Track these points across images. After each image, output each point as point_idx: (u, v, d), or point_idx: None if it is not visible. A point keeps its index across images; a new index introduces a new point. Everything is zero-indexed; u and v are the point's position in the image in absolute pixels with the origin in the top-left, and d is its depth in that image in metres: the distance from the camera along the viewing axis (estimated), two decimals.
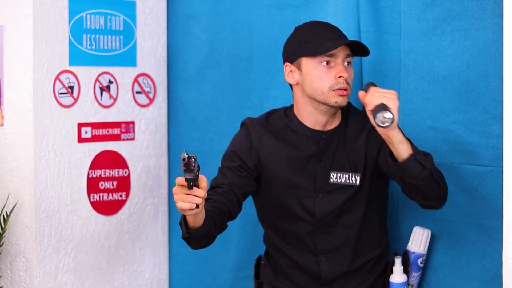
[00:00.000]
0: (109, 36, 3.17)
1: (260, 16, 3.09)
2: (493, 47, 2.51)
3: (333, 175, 2.56)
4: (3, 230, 2.96)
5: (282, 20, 3.03)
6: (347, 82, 2.50)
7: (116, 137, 3.20)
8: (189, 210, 2.26)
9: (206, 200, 2.51)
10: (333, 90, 2.49)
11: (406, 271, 2.62)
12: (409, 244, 2.62)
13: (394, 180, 2.54)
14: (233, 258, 3.21)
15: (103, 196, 3.16)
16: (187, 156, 2.15)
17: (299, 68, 2.53)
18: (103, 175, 3.15)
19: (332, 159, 2.57)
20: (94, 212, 3.13)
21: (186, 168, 2.17)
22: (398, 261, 2.59)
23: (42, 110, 2.97)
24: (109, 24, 3.17)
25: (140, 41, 3.25)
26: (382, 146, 2.49)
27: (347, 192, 2.57)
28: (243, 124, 2.69)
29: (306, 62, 2.51)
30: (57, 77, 3.02)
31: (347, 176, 2.56)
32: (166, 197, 3.36)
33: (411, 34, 2.69)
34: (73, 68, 3.07)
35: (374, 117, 2.28)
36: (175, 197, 2.25)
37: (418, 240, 2.60)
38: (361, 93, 2.34)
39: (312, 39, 2.51)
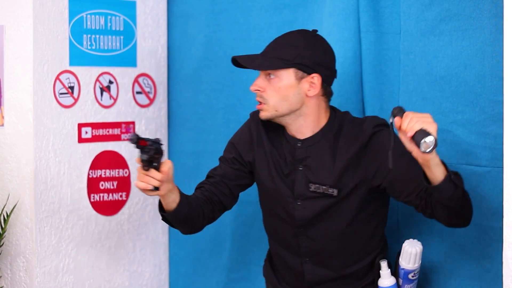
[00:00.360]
0: (109, 36, 3.17)
1: (258, 16, 3.09)
2: (491, 47, 2.51)
3: (312, 186, 2.54)
4: (3, 230, 2.96)
5: (280, 21, 3.03)
6: (261, 96, 2.50)
7: (117, 137, 3.20)
8: (148, 191, 2.39)
9: (198, 187, 2.63)
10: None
11: (396, 275, 2.60)
12: (400, 258, 2.56)
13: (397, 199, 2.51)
14: (225, 259, 3.21)
15: (103, 196, 3.16)
16: (135, 137, 2.27)
17: None
18: (103, 175, 3.15)
19: (313, 168, 2.55)
20: (94, 212, 3.13)
21: (140, 149, 2.31)
22: (384, 264, 2.55)
23: (42, 110, 2.97)
24: (109, 24, 3.17)
25: (140, 41, 3.25)
26: (386, 171, 2.44)
27: (326, 201, 2.53)
28: (250, 116, 2.70)
29: None
30: (57, 77, 3.02)
31: (325, 188, 2.52)
32: None
33: (410, 34, 2.69)
34: (73, 68, 3.07)
35: (418, 144, 2.22)
36: (137, 175, 2.39)
37: (407, 258, 2.53)
38: (397, 121, 2.28)
39: None
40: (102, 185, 3.16)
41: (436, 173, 2.29)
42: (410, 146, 2.27)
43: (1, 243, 2.98)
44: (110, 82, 3.17)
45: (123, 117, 3.21)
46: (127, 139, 2.31)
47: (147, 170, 2.35)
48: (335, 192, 2.51)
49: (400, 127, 2.27)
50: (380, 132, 2.49)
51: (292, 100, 2.49)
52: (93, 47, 3.12)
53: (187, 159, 3.31)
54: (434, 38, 2.63)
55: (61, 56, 3.02)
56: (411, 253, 2.52)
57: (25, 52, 2.95)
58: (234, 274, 3.16)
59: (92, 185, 3.13)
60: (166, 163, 2.39)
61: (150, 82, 3.29)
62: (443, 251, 2.65)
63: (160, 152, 2.35)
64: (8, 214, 2.96)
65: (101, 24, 3.15)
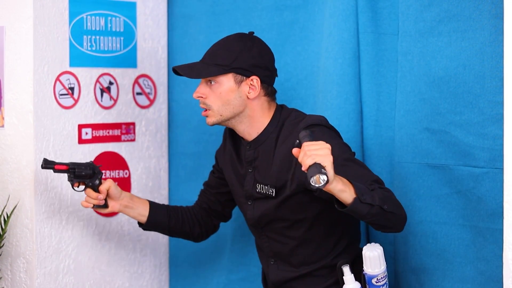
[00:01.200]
0: (110, 37, 3.17)
1: (259, 17, 3.09)
2: (490, 48, 2.51)
3: (258, 186, 2.62)
4: (4, 231, 2.96)
5: (280, 22, 3.03)
6: (204, 102, 2.59)
7: (117, 138, 3.20)
8: (98, 208, 2.76)
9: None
10: None
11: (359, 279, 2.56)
12: (363, 265, 2.51)
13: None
14: (225, 260, 3.21)
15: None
16: (43, 162, 2.71)
17: None
18: (103, 176, 3.15)
19: (260, 169, 2.63)
20: (94, 213, 3.13)
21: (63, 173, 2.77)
22: (346, 269, 2.52)
23: (42, 111, 2.97)
24: (109, 25, 3.17)
25: (141, 42, 3.25)
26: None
27: (270, 201, 2.60)
28: None
29: None
30: (57, 78, 3.02)
31: (267, 188, 2.60)
32: (167, 198, 3.36)
33: (409, 35, 2.69)
34: (74, 69, 3.07)
35: (309, 178, 2.14)
36: None
37: (367, 262, 2.48)
38: (294, 151, 2.24)
39: None
40: None
41: (343, 198, 2.27)
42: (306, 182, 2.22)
43: (1, 244, 2.98)
44: (110, 83, 3.17)
45: (123, 118, 3.21)
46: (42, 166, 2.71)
47: (83, 190, 2.76)
48: (273, 192, 2.57)
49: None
50: (315, 132, 2.45)
51: (235, 104, 2.58)
52: (93, 48, 3.12)
53: (187, 160, 3.32)
54: (433, 39, 2.63)
55: (61, 57, 3.02)
56: (369, 257, 2.47)
57: (25, 53, 2.95)
58: (234, 275, 3.16)
59: None
60: (105, 183, 2.74)
61: (150, 83, 3.29)
62: (437, 253, 2.64)
63: (80, 176, 2.73)
64: (9, 215, 2.96)
65: (101, 25, 3.15)
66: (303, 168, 2.17)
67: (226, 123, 2.62)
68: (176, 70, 2.61)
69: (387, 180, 2.77)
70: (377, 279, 2.50)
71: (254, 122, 2.62)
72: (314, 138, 2.22)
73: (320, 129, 2.52)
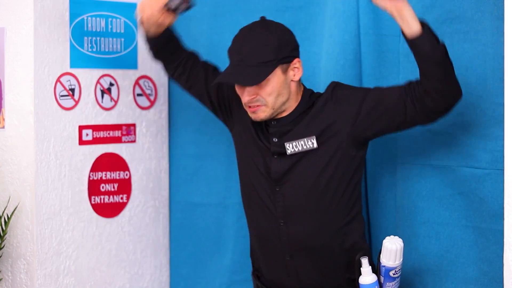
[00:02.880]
0: (110, 39, 3.17)
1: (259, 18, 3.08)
2: (492, 49, 2.51)
3: (289, 146, 2.55)
4: (4, 232, 2.96)
5: (282, 23, 3.02)
6: (257, 100, 2.52)
7: (117, 140, 3.20)
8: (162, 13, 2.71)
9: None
10: (245, 105, 2.56)
11: (377, 272, 2.57)
12: (381, 255, 2.54)
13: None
14: (228, 261, 3.21)
15: (104, 198, 3.16)
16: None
17: None
18: (104, 178, 3.15)
19: (286, 135, 2.56)
20: (95, 214, 3.13)
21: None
22: (365, 261, 2.53)
23: (43, 112, 2.97)
24: (110, 26, 3.17)
25: (141, 44, 3.25)
26: (351, 119, 2.50)
27: (302, 154, 2.54)
28: None
29: None
30: (58, 80, 3.02)
31: (302, 142, 2.54)
32: (167, 200, 3.36)
33: None
34: (74, 71, 3.07)
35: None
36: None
37: (387, 255, 2.51)
38: None
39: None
40: (102, 187, 3.16)
41: (413, 26, 2.34)
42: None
43: (2, 246, 2.98)
44: (111, 84, 3.17)
45: (124, 119, 3.21)
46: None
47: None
48: (314, 142, 2.53)
49: None
50: (339, 86, 2.57)
51: (284, 93, 2.54)
52: (94, 49, 3.12)
53: (188, 161, 3.31)
54: None
55: (62, 59, 3.02)
56: (391, 249, 2.50)
57: (26, 54, 2.95)
58: (236, 276, 3.16)
59: (93, 187, 3.13)
60: None
61: (151, 84, 3.29)
62: (440, 253, 2.65)
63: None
64: (9, 216, 2.96)
65: (102, 26, 3.15)
66: None
67: (274, 115, 2.56)
68: (223, 79, 2.54)
69: (390, 181, 2.78)
70: (394, 271, 2.53)
71: (291, 103, 2.57)
72: None
73: (341, 84, 2.58)
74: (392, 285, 2.56)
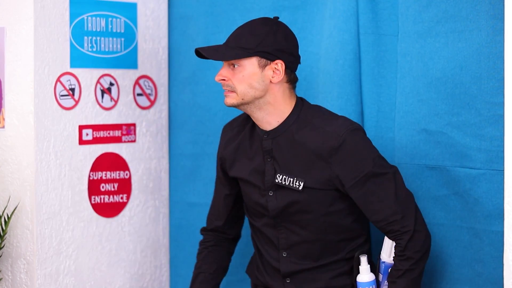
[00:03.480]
0: (110, 38, 3.17)
1: (257, 17, 3.08)
2: (487, 49, 2.50)
3: (279, 177, 2.59)
4: (4, 232, 2.96)
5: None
6: (227, 84, 2.55)
7: (117, 139, 3.20)
8: None
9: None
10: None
11: (375, 271, 2.59)
12: (382, 252, 2.55)
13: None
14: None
15: (104, 198, 3.16)
16: None
17: None
18: (104, 177, 3.15)
19: (278, 160, 2.59)
20: (95, 214, 3.13)
21: None
22: (363, 259, 2.53)
23: (43, 112, 2.97)
24: (110, 26, 3.17)
25: (141, 43, 3.25)
26: (351, 179, 2.50)
27: (295, 193, 2.57)
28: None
29: None
30: (58, 79, 3.02)
31: (292, 180, 2.57)
32: (167, 199, 3.36)
33: (408, 36, 2.68)
34: (74, 70, 3.07)
35: None
36: None
37: (388, 249, 2.52)
38: None
39: None
40: (103, 187, 3.16)
41: None
42: None
43: (2, 245, 2.98)
44: (111, 84, 3.17)
45: (124, 119, 3.21)
46: None
47: None
48: (300, 186, 2.54)
49: None
50: (353, 137, 2.51)
51: (257, 88, 2.54)
52: (94, 49, 3.12)
53: (188, 161, 3.31)
54: (431, 39, 2.62)
55: (62, 58, 3.02)
56: (392, 245, 2.50)
57: (26, 54, 2.95)
58: (233, 276, 3.16)
59: (93, 187, 3.13)
60: None
61: (151, 84, 3.29)
62: (434, 254, 2.64)
63: None
64: (9, 216, 2.96)
65: (102, 26, 3.15)
66: None
67: (245, 107, 2.57)
68: (199, 52, 2.56)
69: None
70: None
71: (274, 109, 2.58)
72: None
73: (360, 135, 2.54)
74: None
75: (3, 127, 3.02)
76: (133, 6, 3.22)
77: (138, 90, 3.25)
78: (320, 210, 2.56)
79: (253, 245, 2.81)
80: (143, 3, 3.24)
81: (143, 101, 3.27)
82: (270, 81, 2.54)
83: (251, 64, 2.53)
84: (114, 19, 3.18)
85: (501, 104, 2.43)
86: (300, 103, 2.61)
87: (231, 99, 2.56)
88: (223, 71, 2.57)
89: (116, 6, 3.18)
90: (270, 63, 2.53)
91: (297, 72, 2.71)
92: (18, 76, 2.98)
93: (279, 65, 2.54)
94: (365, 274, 2.54)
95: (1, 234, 2.95)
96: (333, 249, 2.61)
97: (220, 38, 3.17)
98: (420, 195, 2.66)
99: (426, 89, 2.63)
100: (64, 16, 3.03)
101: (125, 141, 3.21)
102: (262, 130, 2.62)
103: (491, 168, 2.50)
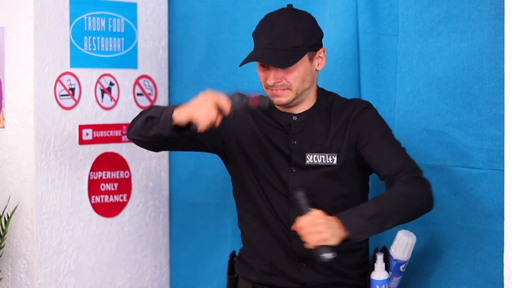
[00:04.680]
0: (110, 38, 3.17)
1: (258, 17, 3.06)
2: (489, 48, 2.51)
3: (309, 157, 2.54)
4: (4, 232, 2.96)
5: None
6: (282, 84, 2.48)
7: (117, 139, 3.20)
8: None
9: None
10: (267, 88, 2.52)
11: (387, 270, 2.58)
12: (392, 249, 2.54)
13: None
14: (226, 261, 3.20)
15: (104, 198, 3.16)
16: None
17: None
18: (104, 177, 3.16)
19: (306, 141, 2.55)
20: (95, 214, 3.14)
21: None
22: (380, 258, 2.52)
23: (43, 112, 2.97)
24: (110, 26, 3.17)
25: (141, 43, 3.25)
26: (364, 141, 2.50)
27: (323, 170, 2.53)
28: None
29: None
30: (58, 79, 3.02)
31: (323, 156, 2.53)
32: (167, 199, 3.36)
33: (408, 35, 2.69)
34: (74, 70, 3.07)
35: (319, 254, 2.28)
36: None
37: (402, 248, 2.51)
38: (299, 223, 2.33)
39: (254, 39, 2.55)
40: (103, 186, 3.16)
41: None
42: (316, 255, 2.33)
43: (2, 245, 2.98)
44: (111, 83, 3.17)
45: (124, 119, 3.21)
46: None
47: None
48: (335, 159, 2.52)
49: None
50: (370, 108, 2.55)
51: (308, 80, 2.52)
52: (94, 49, 3.12)
53: (188, 160, 3.32)
54: (432, 39, 2.62)
55: (62, 58, 3.03)
56: (407, 243, 2.50)
57: (26, 54, 2.95)
58: None
59: (93, 187, 3.13)
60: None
61: (151, 84, 3.29)
62: (435, 254, 2.64)
63: None
64: (9, 216, 2.96)
65: (102, 26, 3.15)
66: (310, 246, 2.29)
67: (296, 101, 2.53)
68: (253, 58, 2.48)
69: None
70: (404, 265, 2.53)
71: (311, 94, 2.56)
72: (306, 202, 2.34)
73: (376, 110, 2.56)
74: (397, 280, 2.56)
75: (3, 127, 3.02)
76: (133, 6, 3.22)
77: (138, 90, 3.25)
78: (338, 187, 2.53)
79: (244, 240, 2.70)
80: (143, 3, 3.24)
81: (143, 101, 3.27)
82: (316, 69, 2.53)
83: (303, 61, 2.49)
84: (114, 19, 3.18)
85: (503, 104, 2.44)
86: (320, 88, 2.60)
87: (286, 97, 2.50)
88: (276, 74, 2.48)
89: (116, 6, 3.18)
90: (316, 53, 2.52)
91: None
92: (18, 75, 2.98)
93: (322, 52, 2.53)
94: (380, 272, 2.52)
95: (1, 234, 2.96)
96: None
97: (222, 38, 3.18)
98: None
99: (427, 89, 2.63)
100: (64, 16, 3.03)
101: (125, 141, 3.21)
102: (287, 113, 2.56)
103: (492, 168, 2.50)
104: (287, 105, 2.53)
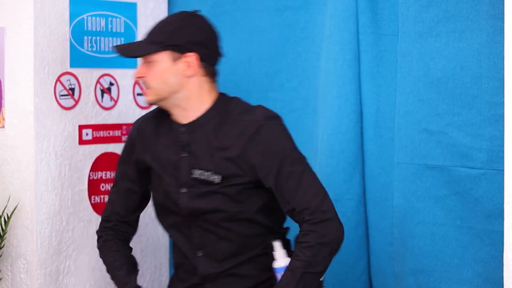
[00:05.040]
0: (110, 38, 3.17)
1: (259, 18, 3.09)
2: (488, 49, 2.51)
3: (195, 172, 2.51)
4: (4, 232, 2.96)
5: (281, 22, 3.03)
6: (144, 82, 2.52)
7: (117, 139, 3.20)
8: None
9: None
10: None
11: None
12: (275, 262, 2.50)
13: None
14: None
15: (104, 198, 3.16)
16: None
17: None
18: (104, 177, 3.16)
19: (196, 154, 2.51)
20: (95, 214, 3.13)
21: None
22: (277, 244, 2.47)
23: (43, 112, 2.97)
24: (110, 26, 3.17)
25: None
26: (267, 169, 2.44)
27: (209, 188, 2.49)
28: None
29: None
30: (58, 79, 3.02)
31: (209, 174, 2.48)
32: None
33: (408, 35, 2.68)
34: (74, 70, 3.07)
35: None
36: None
37: (282, 255, 2.48)
38: None
39: None
40: (103, 187, 3.16)
41: None
42: None
43: (2, 245, 2.98)
44: (111, 83, 3.17)
45: (124, 119, 3.21)
46: None
47: None
48: (217, 179, 2.47)
49: None
50: (269, 125, 2.46)
51: (172, 83, 2.49)
52: (94, 49, 3.12)
53: None
54: (431, 39, 2.62)
55: (62, 58, 3.03)
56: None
57: (26, 54, 2.95)
58: None
59: (93, 187, 3.13)
60: None
61: None
62: (435, 254, 2.64)
63: None
64: (9, 216, 2.96)
65: (101, 25, 3.15)
66: None
67: (163, 103, 2.52)
68: (115, 48, 2.57)
69: (387, 181, 2.77)
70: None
71: (191, 104, 2.51)
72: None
73: (278, 123, 2.48)
74: None
75: (3, 127, 3.02)
76: (133, 6, 3.22)
77: (138, 90, 3.25)
78: (231, 206, 2.48)
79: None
80: (143, 3, 3.24)
81: (143, 101, 3.27)
82: (184, 75, 2.49)
83: (163, 59, 2.48)
84: (114, 19, 3.18)
85: (502, 104, 2.44)
86: (221, 97, 2.55)
87: (148, 97, 2.53)
88: (141, 69, 2.53)
89: (116, 6, 3.18)
90: (182, 56, 2.48)
91: (297, 72, 2.72)
92: (18, 75, 2.98)
93: (190, 58, 2.48)
94: (281, 259, 2.47)
95: (1, 234, 2.96)
96: (251, 244, 2.53)
97: (222, 38, 3.16)
98: (420, 195, 2.66)
99: (427, 89, 2.63)
100: (64, 16, 3.03)
101: (125, 141, 3.20)
102: (177, 123, 2.54)
103: (492, 168, 2.50)
104: (156, 104, 2.54)
